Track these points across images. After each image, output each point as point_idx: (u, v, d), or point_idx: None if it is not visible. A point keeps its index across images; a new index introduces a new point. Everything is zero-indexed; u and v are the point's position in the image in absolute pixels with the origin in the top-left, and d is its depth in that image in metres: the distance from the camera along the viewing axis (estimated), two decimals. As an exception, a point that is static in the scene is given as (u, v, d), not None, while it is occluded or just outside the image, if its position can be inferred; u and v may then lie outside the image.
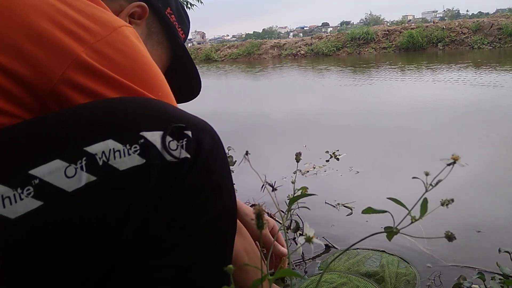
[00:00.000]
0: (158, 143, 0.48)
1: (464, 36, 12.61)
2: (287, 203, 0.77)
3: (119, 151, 0.46)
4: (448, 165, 0.62)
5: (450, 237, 0.61)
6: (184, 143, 0.50)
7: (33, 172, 0.44)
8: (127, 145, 0.47)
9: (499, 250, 0.96)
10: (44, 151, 0.46)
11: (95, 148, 0.46)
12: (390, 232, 0.63)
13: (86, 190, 0.45)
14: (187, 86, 0.91)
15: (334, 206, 1.62)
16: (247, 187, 1.63)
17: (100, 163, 0.46)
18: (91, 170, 0.45)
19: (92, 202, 0.46)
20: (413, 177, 0.66)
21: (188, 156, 0.50)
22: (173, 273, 0.52)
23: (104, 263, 0.49)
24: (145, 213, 0.49)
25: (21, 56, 0.49)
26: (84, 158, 0.45)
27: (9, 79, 0.48)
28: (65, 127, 0.47)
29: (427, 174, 0.63)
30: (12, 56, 0.49)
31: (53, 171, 0.44)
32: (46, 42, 0.50)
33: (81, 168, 0.45)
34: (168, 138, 0.49)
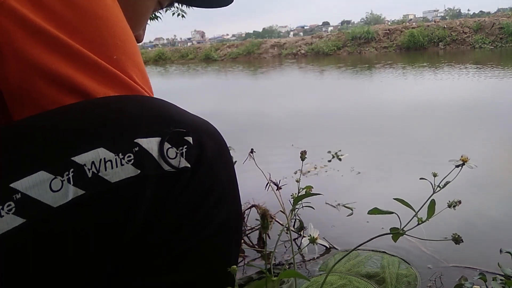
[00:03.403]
0: (154, 151, 0.43)
1: (465, 36, 12.59)
2: (290, 203, 0.76)
3: (110, 161, 0.41)
4: (457, 166, 0.60)
5: (457, 239, 0.59)
6: (184, 150, 0.45)
7: (14, 185, 0.39)
8: (120, 154, 0.42)
9: (501, 251, 0.95)
10: (27, 161, 0.40)
11: (84, 158, 0.40)
12: (396, 233, 0.62)
13: (73, 205, 0.40)
14: None
15: (334, 207, 1.61)
16: (246, 187, 1.62)
17: (90, 174, 0.41)
18: (79, 183, 0.40)
19: (80, 219, 0.41)
20: (421, 178, 0.64)
21: (188, 165, 0.45)
22: None
23: (93, 282, 0.44)
24: (140, 229, 0.44)
25: None
26: (71, 170, 0.40)
27: None
28: (50, 134, 0.42)
29: (435, 175, 0.61)
30: None
31: (37, 184, 0.39)
32: None
33: (68, 180, 0.40)
34: (167, 145, 0.44)
